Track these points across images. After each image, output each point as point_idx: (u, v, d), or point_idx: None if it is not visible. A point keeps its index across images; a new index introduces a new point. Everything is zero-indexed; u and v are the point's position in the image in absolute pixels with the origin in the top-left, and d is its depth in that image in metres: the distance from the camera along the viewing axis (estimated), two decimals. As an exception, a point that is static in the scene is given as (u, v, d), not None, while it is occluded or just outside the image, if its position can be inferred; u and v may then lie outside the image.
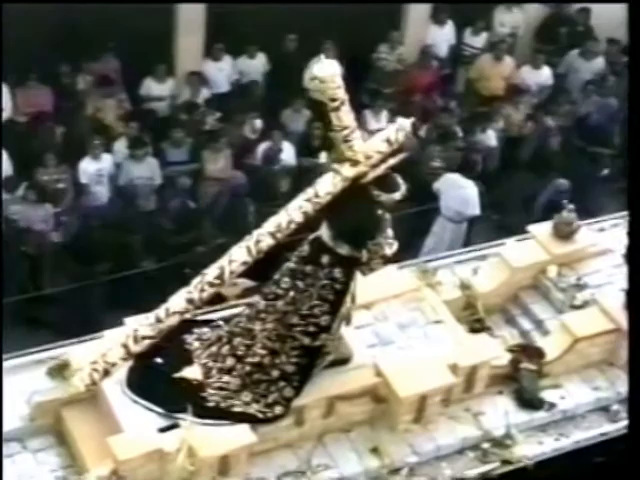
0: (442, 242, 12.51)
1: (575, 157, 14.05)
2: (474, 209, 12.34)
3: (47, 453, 8.14)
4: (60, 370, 8.32)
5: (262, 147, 13.04)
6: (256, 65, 14.15)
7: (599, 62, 15.09)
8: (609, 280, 9.86)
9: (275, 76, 14.17)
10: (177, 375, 8.21)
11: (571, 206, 9.92)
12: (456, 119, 13.85)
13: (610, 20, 15.27)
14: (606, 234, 10.46)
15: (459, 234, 12.56)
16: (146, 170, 12.59)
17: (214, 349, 8.35)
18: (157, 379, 8.18)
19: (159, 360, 8.25)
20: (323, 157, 12.86)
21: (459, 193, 12.41)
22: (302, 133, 13.52)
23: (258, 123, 13.38)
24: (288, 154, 13.14)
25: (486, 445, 8.62)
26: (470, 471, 8.46)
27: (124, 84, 13.51)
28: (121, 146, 12.85)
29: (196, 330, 8.57)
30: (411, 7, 14.77)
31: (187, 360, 8.33)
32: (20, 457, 8.02)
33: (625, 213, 10.88)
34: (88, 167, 12.49)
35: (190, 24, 13.67)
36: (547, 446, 8.76)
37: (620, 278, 9.83)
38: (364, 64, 14.27)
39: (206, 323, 8.67)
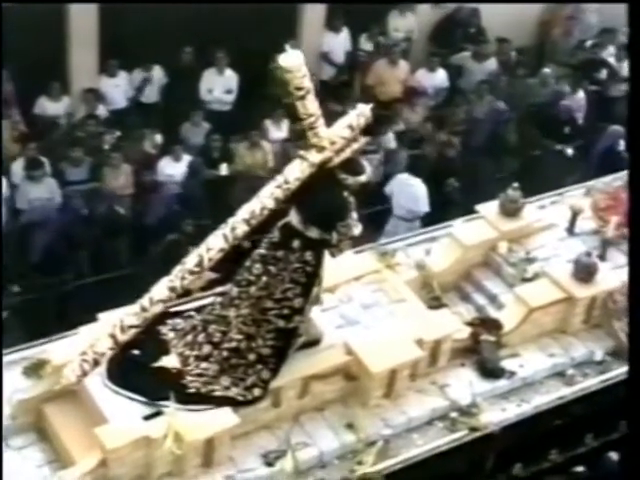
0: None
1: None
2: (424, 206, 12.77)
3: (31, 450, 8.27)
4: (36, 369, 8.46)
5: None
6: (153, 79, 14.05)
7: (491, 63, 15.36)
8: (556, 253, 10.34)
9: (173, 89, 14.09)
10: (156, 365, 8.42)
11: (516, 184, 10.37)
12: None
13: (499, 21, 15.70)
14: (547, 210, 10.95)
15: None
16: (44, 191, 12.34)
17: (190, 338, 8.57)
18: (137, 370, 8.36)
19: (136, 352, 8.44)
20: (224, 169, 13.16)
21: (409, 191, 12.82)
22: (202, 146, 13.46)
23: (158, 138, 13.27)
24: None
25: (454, 414, 9.00)
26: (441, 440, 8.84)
27: (18, 104, 13.17)
28: (18, 167, 12.50)
29: (169, 321, 8.78)
30: (306, 14, 14.85)
31: (164, 350, 8.52)
32: (4, 455, 8.10)
33: (563, 190, 11.49)
34: None
35: (83, 40, 13.46)
36: (510, 412, 9.18)
37: (565, 250, 10.36)
38: (261, 73, 14.08)
39: (178, 315, 8.89)
